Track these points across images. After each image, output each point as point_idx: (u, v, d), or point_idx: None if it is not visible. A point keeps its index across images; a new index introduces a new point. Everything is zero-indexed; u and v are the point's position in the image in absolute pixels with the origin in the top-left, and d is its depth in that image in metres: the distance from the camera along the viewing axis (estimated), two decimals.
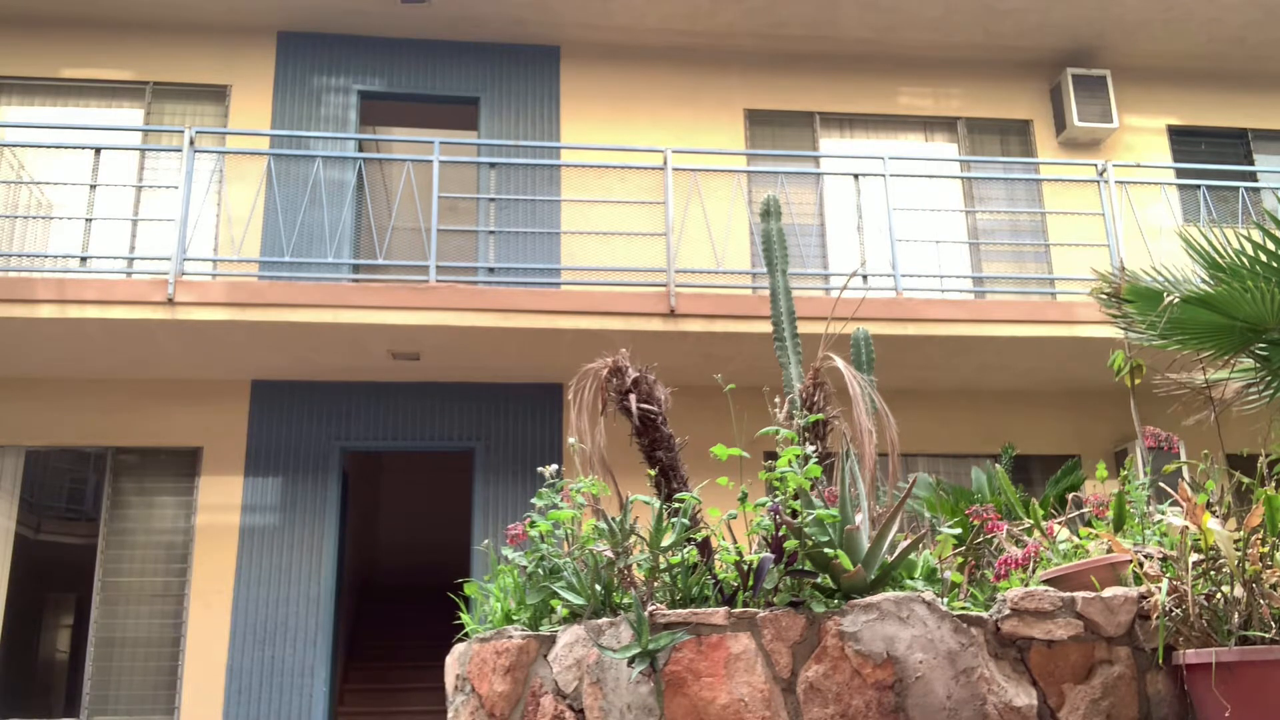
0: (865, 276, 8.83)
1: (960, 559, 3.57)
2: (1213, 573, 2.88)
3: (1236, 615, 2.75)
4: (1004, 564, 3.30)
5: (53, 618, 8.34)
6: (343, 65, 9.14)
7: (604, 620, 2.99)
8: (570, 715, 2.99)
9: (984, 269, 9.25)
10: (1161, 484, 4.01)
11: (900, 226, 8.71)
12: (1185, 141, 9.94)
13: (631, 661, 2.85)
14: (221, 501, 8.02)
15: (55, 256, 8.47)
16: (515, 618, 3.61)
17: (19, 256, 8.48)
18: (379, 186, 10.86)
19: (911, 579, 3.26)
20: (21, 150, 8.60)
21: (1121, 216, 8.59)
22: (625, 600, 3.10)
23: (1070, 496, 4.36)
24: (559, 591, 3.26)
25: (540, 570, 3.57)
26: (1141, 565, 3.08)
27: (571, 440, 3.78)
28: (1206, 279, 4.39)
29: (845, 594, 3.00)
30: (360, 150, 9.79)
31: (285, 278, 8.02)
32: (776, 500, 3.11)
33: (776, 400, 4.04)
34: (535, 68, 9.34)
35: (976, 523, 3.64)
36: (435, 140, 7.78)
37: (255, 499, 8.05)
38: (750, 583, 3.02)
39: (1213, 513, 3.24)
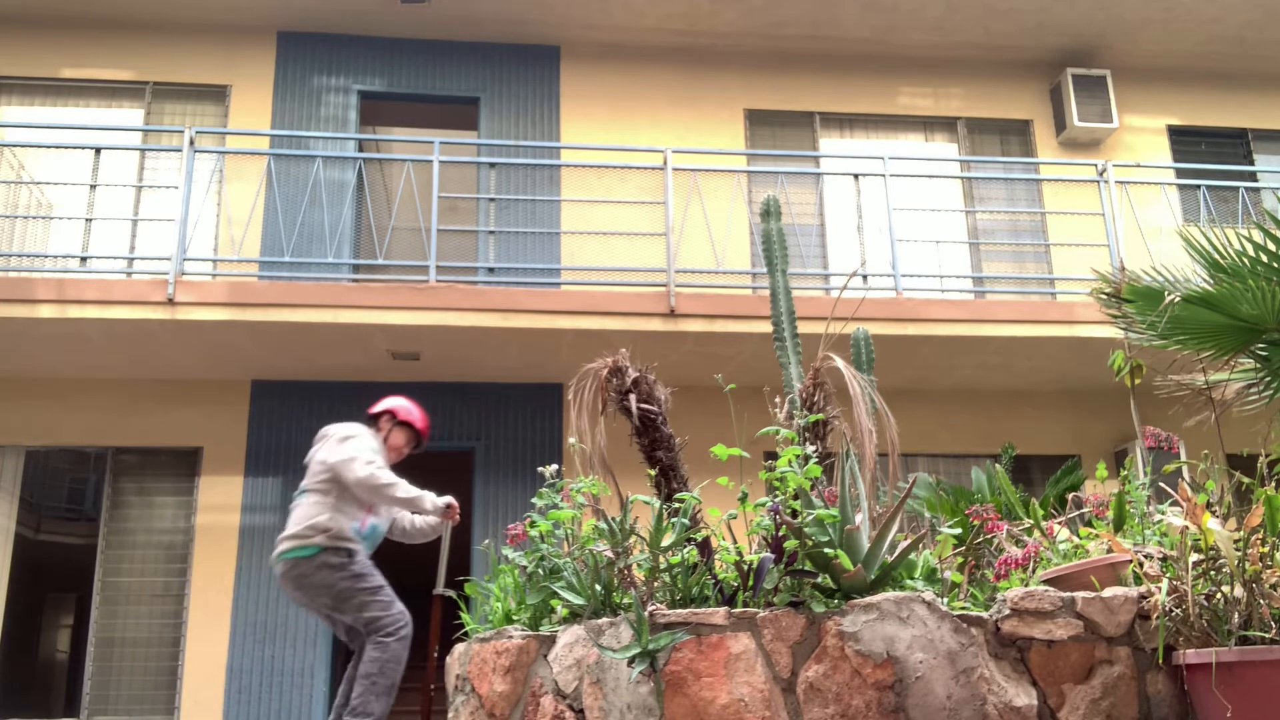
0: (865, 276, 8.83)
1: (960, 559, 3.57)
2: (1213, 573, 2.88)
3: (1236, 615, 2.75)
4: (1004, 564, 3.30)
5: (53, 618, 8.34)
6: (343, 65, 9.14)
7: (604, 620, 2.99)
8: (570, 715, 2.99)
9: (984, 269, 9.25)
10: (1161, 484, 4.01)
11: (900, 226, 8.71)
12: (1185, 141, 9.94)
13: (631, 661, 2.85)
14: (221, 501, 8.02)
15: (55, 256, 8.46)
16: (515, 618, 3.61)
17: (19, 256, 8.48)
18: (379, 186, 10.86)
19: (911, 579, 3.26)
20: (21, 150, 8.60)
21: (1121, 216, 8.59)
22: (625, 600, 3.10)
23: (1070, 496, 4.36)
24: (559, 591, 3.26)
25: (540, 570, 3.57)
26: (1141, 565, 3.08)
27: (571, 440, 3.79)
28: (1206, 279, 4.39)
29: (845, 594, 3.00)
30: (360, 150, 9.79)
31: (285, 278, 8.02)
32: (776, 500, 3.11)
33: (776, 400, 4.04)
34: (535, 68, 9.34)
35: (976, 523, 3.64)
36: (435, 140, 7.78)
37: (255, 499, 8.05)
38: (750, 583, 3.02)
39: (1213, 513, 3.24)
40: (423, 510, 4.54)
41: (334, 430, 4.75)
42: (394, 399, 5.04)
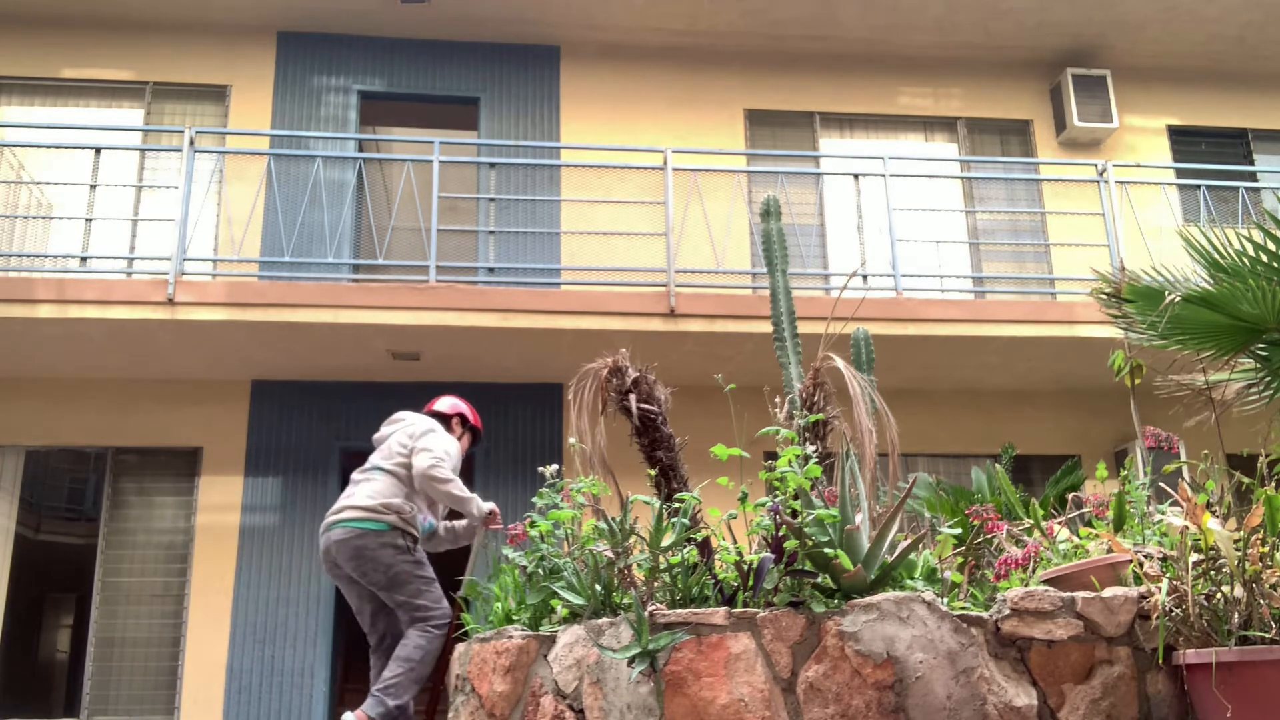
0: (865, 276, 8.83)
1: (960, 559, 3.57)
2: (1213, 573, 2.88)
3: (1236, 615, 2.75)
4: (1004, 564, 3.30)
5: (53, 618, 8.33)
6: (343, 65, 9.13)
7: (604, 620, 2.99)
8: (570, 715, 2.99)
9: (984, 269, 9.25)
10: (1161, 484, 4.01)
11: (900, 226, 8.70)
12: (1185, 141, 9.94)
13: (631, 661, 2.84)
14: (221, 501, 8.02)
15: (55, 256, 8.46)
16: (515, 618, 3.61)
17: (19, 256, 8.48)
18: (379, 186, 10.85)
19: (911, 579, 3.26)
20: (21, 150, 8.60)
21: (1121, 216, 8.59)
22: (625, 600, 3.10)
23: (1070, 496, 4.36)
24: (559, 591, 3.26)
25: (540, 570, 3.57)
26: (1141, 565, 3.08)
27: (571, 440, 3.79)
28: (1206, 279, 4.39)
29: (845, 594, 3.00)
30: (360, 150, 9.79)
31: (285, 278, 8.02)
32: (776, 500, 3.11)
33: (776, 400, 4.04)
34: (535, 68, 9.34)
35: (976, 523, 3.64)
36: (435, 140, 7.78)
37: (255, 499, 8.05)
38: (750, 583, 3.02)
39: (1213, 513, 3.24)
40: (469, 513, 4.68)
41: (414, 417, 4.89)
42: (454, 400, 5.19)
